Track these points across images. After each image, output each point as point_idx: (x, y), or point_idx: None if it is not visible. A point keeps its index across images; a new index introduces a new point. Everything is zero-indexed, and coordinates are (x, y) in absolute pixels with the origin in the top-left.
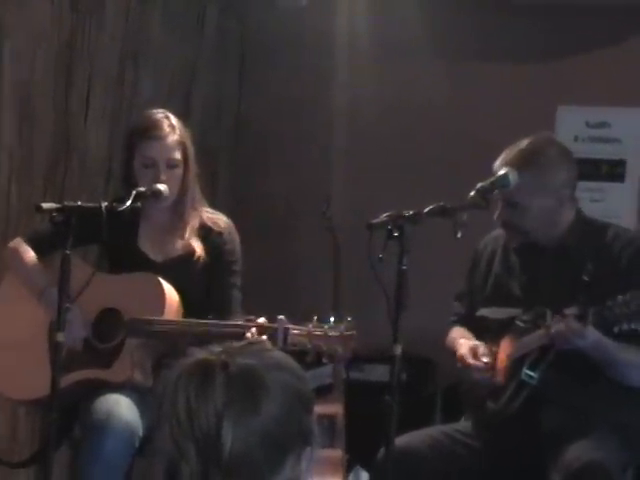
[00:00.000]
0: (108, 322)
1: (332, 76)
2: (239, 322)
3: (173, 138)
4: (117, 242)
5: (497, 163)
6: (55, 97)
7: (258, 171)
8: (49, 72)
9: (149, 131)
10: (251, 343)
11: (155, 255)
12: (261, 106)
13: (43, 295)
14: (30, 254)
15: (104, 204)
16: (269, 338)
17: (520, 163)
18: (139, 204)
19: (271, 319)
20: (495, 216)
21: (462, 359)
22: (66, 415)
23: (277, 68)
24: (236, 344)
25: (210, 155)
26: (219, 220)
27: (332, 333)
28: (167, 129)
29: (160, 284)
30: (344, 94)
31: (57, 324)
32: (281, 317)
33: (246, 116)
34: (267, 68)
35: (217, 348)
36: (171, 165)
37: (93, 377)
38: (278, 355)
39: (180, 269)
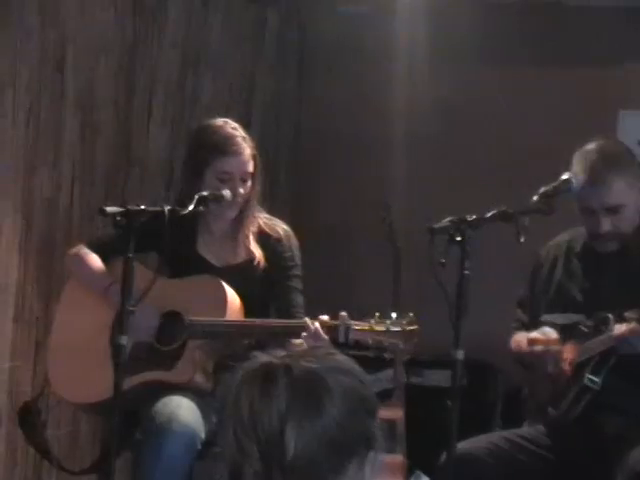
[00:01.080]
0: (170, 325)
1: (391, 82)
2: (301, 321)
3: (247, 152)
4: (177, 247)
5: (575, 168)
6: (117, 103)
7: (317, 177)
8: (111, 79)
9: (226, 147)
10: (314, 347)
11: (215, 261)
12: (320, 113)
13: (109, 291)
14: (93, 256)
15: (167, 207)
16: (331, 334)
17: (609, 165)
18: (201, 208)
19: (333, 317)
20: (601, 230)
21: (534, 342)
22: (127, 419)
23: (336, 75)
24: (299, 349)
25: (269, 161)
26: (277, 226)
27: (394, 328)
28: (242, 143)
29: (222, 285)
30: (403, 100)
31: (120, 327)
32: (343, 313)
33: (305, 123)
34: (326, 75)
35: (280, 352)
36: (245, 178)
37: (155, 378)
38: (341, 359)
39: (241, 275)
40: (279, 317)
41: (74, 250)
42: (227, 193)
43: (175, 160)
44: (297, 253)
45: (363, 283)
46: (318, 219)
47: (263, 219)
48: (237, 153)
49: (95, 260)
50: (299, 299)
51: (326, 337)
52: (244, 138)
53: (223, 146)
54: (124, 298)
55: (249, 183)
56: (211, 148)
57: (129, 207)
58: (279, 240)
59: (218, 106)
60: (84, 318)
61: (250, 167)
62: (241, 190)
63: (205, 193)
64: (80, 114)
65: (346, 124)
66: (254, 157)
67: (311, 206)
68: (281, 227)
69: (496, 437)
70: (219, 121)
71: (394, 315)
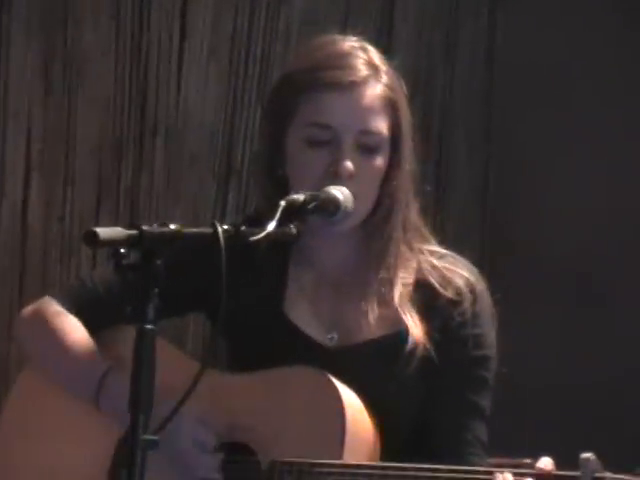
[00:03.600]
0: (233, 466)
1: None
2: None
3: (374, 91)
4: (245, 307)
5: None
6: None
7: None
8: None
9: (327, 71)
10: None
11: (322, 334)
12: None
13: (103, 392)
14: (69, 322)
15: (222, 228)
16: None
17: None
18: (293, 229)
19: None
20: None
21: None
22: None
23: None
24: None
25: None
26: (455, 274)
27: None
28: (364, 70)
29: (336, 391)
30: None
31: (130, 458)
32: (587, 455)
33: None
34: None
35: None
36: (367, 144)
37: None
38: None
39: (376, 366)
40: (439, 455)
41: (33, 310)
42: (343, 195)
43: (236, 131)
44: (489, 330)
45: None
46: (528, 259)
47: (429, 256)
48: (347, 85)
49: (74, 329)
50: (478, 426)
51: None
52: (373, 65)
53: (321, 70)
54: (136, 415)
55: (378, 160)
56: (301, 75)
57: (145, 227)
58: (457, 303)
59: None
60: (52, 446)
61: (379, 122)
62: (349, 166)
63: (298, 197)
64: None
65: None
66: (392, 103)
67: (515, 232)
68: (463, 275)
69: None
70: (330, 37)
71: None
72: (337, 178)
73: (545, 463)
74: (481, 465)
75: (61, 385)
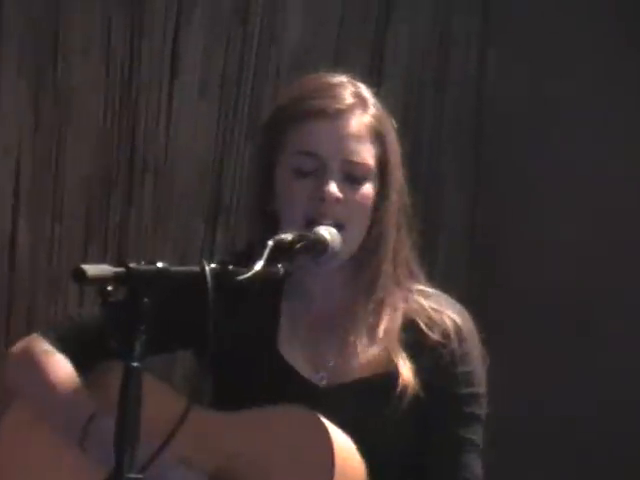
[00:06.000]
0: None
1: None
2: None
3: (361, 120)
4: (235, 343)
5: None
6: None
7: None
8: None
9: (314, 100)
10: None
11: (312, 372)
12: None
13: (89, 435)
14: (57, 360)
15: (210, 267)
16: None
17: None
18: (281, 269)
19: None
20: None
21: None
22: None
23: None
24: None
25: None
26: (444, 314)
27: None
28: (351, 99)
29: (324, 432)
30: None
31: None
32: None
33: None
34: None
35: None
36: (353, 174)
37: None
38: None
39: (366, 407)
40: None
41: (21, 347)
42: (330, 235)
43: (225, 169)
44: (478, 369)
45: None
46: (520, 297)
47: (418, 296)
48: (333, 115)
49: (62, 369)
50: (474, 462)
51: None
52: (359, 96)
53: (309, 99)
54: (121, 453)
55: (365, 189)
56: (289, 108)
57: (132, 265)
58: (444, 344)
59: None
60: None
61: (364, 153)
62: (334, 192)
63: (286, 236)
64: None
65: None
66: (379, 135)
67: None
68: (449, 316)
69: None
70: (321, 72)
71: None
72: (323, 204)
73: None
74: None
75: (46, 420)
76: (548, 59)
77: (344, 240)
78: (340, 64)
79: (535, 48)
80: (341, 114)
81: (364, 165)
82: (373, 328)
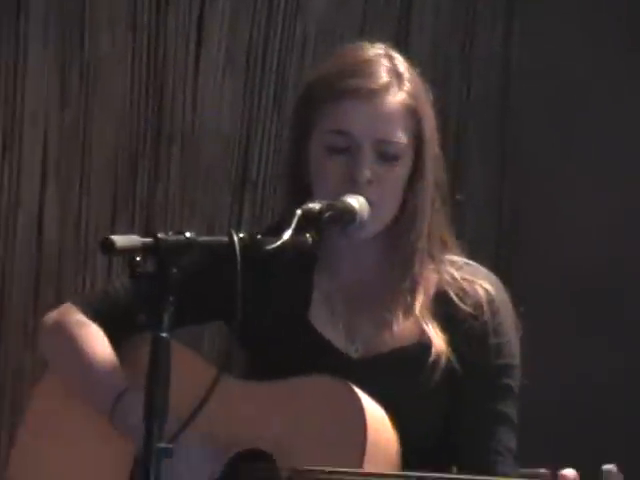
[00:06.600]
0: (252, 474)
1: None
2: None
3: (395, 98)
4: (267, 311)
5: None
6: None
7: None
8: None
9: (348, 78)
10: None
11: (346, 344)
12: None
13: (120, 407)
14: (92, 331)
15: (238, 236)
16: None
17: None
18: (309, 238)
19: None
20: None
21: None
22: None
23: None
24: None
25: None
26: (476, 284)
27: None
28: (386, 77)
29: (357, 402)
30: None
31: (144, 466)
32: (609, 467)
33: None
34: None
35: None
36: (387, 153)
37: None
38: None
39: (400, 378)
40: (467, 465)
41: (54, 318)
42: (359, 203)
43: (252, 140)
44: (512, 339)
45: None
46: (551, 266)
47: (451, 267)
48: (367, 94)
49: (96, 341)
50: (506, 434)
51: None
52: (396, 72)
53: (343, 77)
54: (150, 423)
55: (398, 169)
56: (322, 86)
57: (160, 236)
58: (478, 315)
59: None
60: (71, 456)
61: (398, 132)
62: (367, 174)
63: (314, 206)
64: None
65: None
66: (414, 113)
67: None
68: (483, 286)
69: None
70: (356, 44)
71: None
72: (355, 185)
73: (569, 474)
74: (511, 474)
75: (78, 392)
76: (574, 34)
77: (374, 216)
78: (366, 34)
79: (561, 23)
80: (375, 93)
81: (397, 144)
82: (409, 304)
